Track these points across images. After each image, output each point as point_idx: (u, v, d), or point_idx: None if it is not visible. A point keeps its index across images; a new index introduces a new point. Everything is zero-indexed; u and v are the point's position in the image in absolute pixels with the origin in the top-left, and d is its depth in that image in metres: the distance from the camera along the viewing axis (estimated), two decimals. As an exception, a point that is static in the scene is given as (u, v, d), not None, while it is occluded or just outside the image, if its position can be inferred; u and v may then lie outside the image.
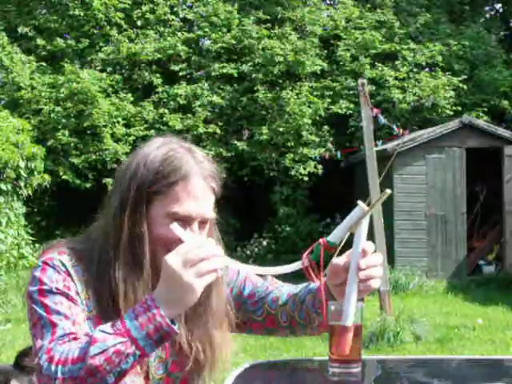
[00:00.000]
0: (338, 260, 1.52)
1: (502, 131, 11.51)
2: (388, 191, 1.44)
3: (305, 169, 12.94)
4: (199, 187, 1.50)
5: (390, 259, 8.97)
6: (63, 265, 1.48)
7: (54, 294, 1.45)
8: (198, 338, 1.56)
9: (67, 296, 1.46)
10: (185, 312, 1.52)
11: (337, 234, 1.51)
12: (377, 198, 1.47)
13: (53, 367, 1.35)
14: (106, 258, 1.49)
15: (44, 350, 1.38)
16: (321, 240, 1.50)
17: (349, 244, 1.51)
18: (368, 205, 1.47)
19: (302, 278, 1.54)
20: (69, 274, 1.48)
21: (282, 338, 1.79)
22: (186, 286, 1.34)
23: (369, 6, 14.86)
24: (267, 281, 1.74)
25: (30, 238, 10.10)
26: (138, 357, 1.35)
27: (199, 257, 1.34)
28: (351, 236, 1.50)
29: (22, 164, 9.41)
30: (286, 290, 1.70)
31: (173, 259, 1.35)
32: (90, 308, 1.48)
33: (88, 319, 1.47)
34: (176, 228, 1.44)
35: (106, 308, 1.48)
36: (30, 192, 9.85)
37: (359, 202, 1.48)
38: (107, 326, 1.37)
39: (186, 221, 1.48)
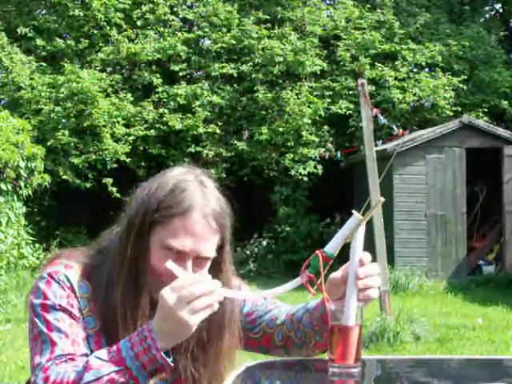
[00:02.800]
0: (336, 274, 1.53)
1: (501, 131, 11.51)
2: (381, 199, 1.45)
3: (305, 169, 12.94)
4: (198, 224, 1.49)
5: (390, 259, 8.97)
6: (68, 280, 1.50)
7: (56, 311, 1.47)
8: (206, 377, 1.57)
9: (70, 314, 1.48)
10: (191, 350, 1.54)
11: (333, 245, 1.51)
12: (372, 206, 1.47)
13: None
14: (111, 279, 1.51)
15: (41, 369, 1.41)
16: (317, 252, 1.51)
17: (344, 252, 1.52)
18: (363, 214, 1.48)
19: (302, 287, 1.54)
20: (73, 291, 1.50)
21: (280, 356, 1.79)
22: (180, 322, 1.35)
23: (369, 6, 14.85)
24: (268, 300, 1.74)
25: (30, 238, 10.10)
26: None
27: (194, 294, 1.35)
28: (347, 244, 1.51)
29: (22, 164, 9.41)
30: (284, 309, 1.71)
31: (168, 295, 1.36)
32: (91, 324, 1.50)
33: (88, 336, 1.49)
34: (171, 265, 1.45)
35: (106, 326, 1.50)
36: (30, 192, 9.85)
37: (354, 212, 1.49)
38: (103, 353, 1.39)
39: (180, 255, 1.48)
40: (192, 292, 1.35)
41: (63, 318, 1.47)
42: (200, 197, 1.51)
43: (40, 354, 1.43)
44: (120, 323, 1.48)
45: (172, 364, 1.39)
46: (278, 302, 1.76)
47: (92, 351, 1.46)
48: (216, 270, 1.56)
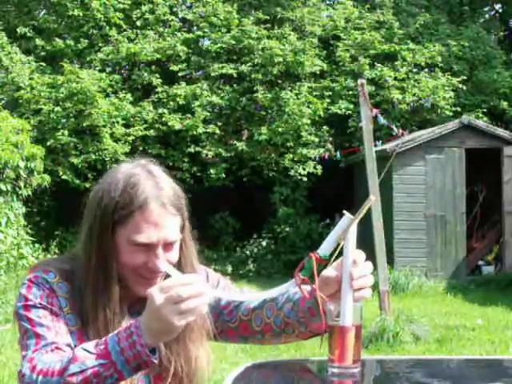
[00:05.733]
0: (329, 272, 1.53)
1: (501, 131, 11.52)
2: (372, 198, 1.44)
3: (304, 169, 12.95)
4: (157, 213, 1.53)
5: (390, 259, 8.96)
6: (47, 282, 1.56)
7: (37, 309, 1.52)
8: (176, 352, 1.60)
9: (50, 310, 1.53)
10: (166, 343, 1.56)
11: (326, 246, 1.51)
12: (363, 206, 1.46)
13: (34, 376, 1.40)
14: (82, 282, 1.56)
15: (27, 359, 1.45)
16: (311, 254, 1.50)
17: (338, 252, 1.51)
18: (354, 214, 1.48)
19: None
20: (52, 291, 1.55)
21: (259, 345, 1.79)
22: (165, 323, 1.36)
23: (368, 6, 14.85)
24: (242, 291, 1.76)
25: (30, 238, 10.09)
26: (115, 380, 1.40)
27: (181, 295, 1.35)
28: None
29: (22, 164, 9.41)
30: (259, 295, 1.70)
31: (156, 294, 1.37)
32: (72, 322, 1.55)
33: (71, 333, 1.53)
34: (164, 263, 1.50)
35: (85, 324, 1.55)
36: (30, 192, 9.85)
37: (345, 212, 1.49)
38: (91, 345, 1.42)
39: (149, 247, 1.53)
40: (179, 294, 1.35)
41: (45, 315, 1.51)
42: (152, 187, 1.55)
43: (26, 348, 1.48)
44: (91, 326, 1.53)
45: (156, 361, 1.40)
46: (254, 291, 1.78)
47: (75, 347, 1.48)
48: (179, 247, 1.61)
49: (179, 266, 1.59)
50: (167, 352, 1.59)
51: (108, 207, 1.53)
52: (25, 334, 1.51)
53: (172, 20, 14.46)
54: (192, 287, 1.37)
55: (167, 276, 1.49)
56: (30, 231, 10.41)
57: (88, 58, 14.03)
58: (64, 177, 12.54)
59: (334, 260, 1.53)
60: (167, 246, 1.55)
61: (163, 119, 13.17)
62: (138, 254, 1.53)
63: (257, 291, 1.75)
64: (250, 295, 1.66)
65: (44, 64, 13.81)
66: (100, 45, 14.13)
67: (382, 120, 8.53)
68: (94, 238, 1.55)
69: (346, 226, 1.47)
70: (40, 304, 1.53)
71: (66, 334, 1.51)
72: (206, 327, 1.64)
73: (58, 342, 1.47)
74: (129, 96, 13.34)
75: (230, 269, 12.58)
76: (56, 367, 1.39)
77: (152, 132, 13.17)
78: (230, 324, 1.71)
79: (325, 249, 1.51)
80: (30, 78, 13.16)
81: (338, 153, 13.07)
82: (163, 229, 1.53)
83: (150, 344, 1.39)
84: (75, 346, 1.48)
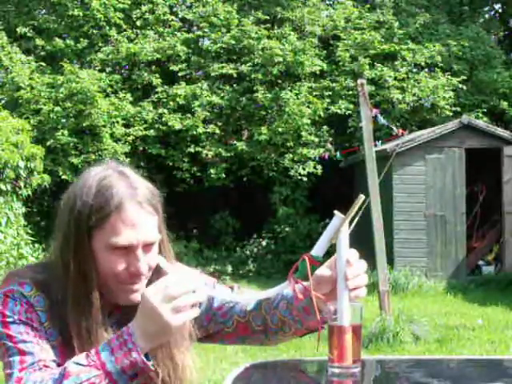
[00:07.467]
0: (322, 271, 1.52)
1: (501, 131, 11.51)
2: (362, 197, 1.44)
3: (304, 169, 12.95)
4: (134, 214, 1.47)
5: (390, 259, 8.96)
6: (23, 296, 1.47)
7: (17, 325, 1.45)
8: (162, 360, 1.55)
9: (31, 326, 1.45)
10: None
11: (319, 247, 1.51)
12: (353, 205, 1.45)
13: None
14: (60, 293, 1.48)
15: (14, 379, 1.38)
16: (305, 256, 1.50)
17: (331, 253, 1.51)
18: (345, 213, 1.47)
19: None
20: (30, 305, 1.47)
21: (257, 345, 1.78)
22: (162, 322, 1.34)
23: (368, 6, 14.85)
24: (234, 291, 1.73)
25: (30, 238, 10.09)
26: None
27: (177, 293, 1.34)
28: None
29: (22, 164, 9.41)
30: (252, 296, 1.69)
31: (152, 294, 1.35)
32: (53, 337, 1.48)
33: (52, 348, 1.46)
34: (160, 260, 1.46)
35: (65, 340, 1.47)
36: (30, 192, 9.85)
37: (335, 212, 1.48)
38: (81, 358, 1.37)
39: (128, 250, 1.47)
40: (175, 291, 1.34)
41: (26, 331, 1.44)
42: (126, 187, 1.49)
43: (10, 367, 1.41)
44: (75, 338, 1.46)
45: (152, 368, 1.38)
46: (245, 290, 1.76)
47: (59, 362, 1.44)
48: (158, 249, 1.55)
49: (158, 267, 1.53)
50: (153, 361, 1.53)
51: (82, 213, 1.46)
52: (7, 351, 1.43)
53: (172, 20, 14.46)
54: (188, 284, 1.36)
55: (158, 276, 1.45)
56: (30, 231, 10.40)
57: (88, 58, 14.03)
58: (64, 177, 12.53)
59: (326, 259, 1.53)
60: (147, 247, 1.49)
61: (163, 119, 13.17)
62: (118, 258, 1.47)
63: (250, 291, 1.74)
64: (244, 296, 1.64)
65: (44, 64, 13.81)
66: (100, 45, 14.13)
67: (381, 120, 8.54)
68: (70, 246, 1.48)
69: (338, 226, 1.47)
70: (19, 320, 1.45)
71: (50, 350, 1.45)
72: (189, 331, 1.60)
73: (45, 360, 1.42)
74: (129, 96, 13.34)
75: (229, 269, 12.58)
76: None
77: (152, 132, 13.17)
78: (226, 328, 1.68)
79: (318, 250, 1.51)
80: (30, 78, 13.16)
81: (338, 153, 13.08)
82: (142, 229, 1.47)
83: (145, 348, 1.37)
84: (59, 362, 1.43)
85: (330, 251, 1.51)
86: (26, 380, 1.37)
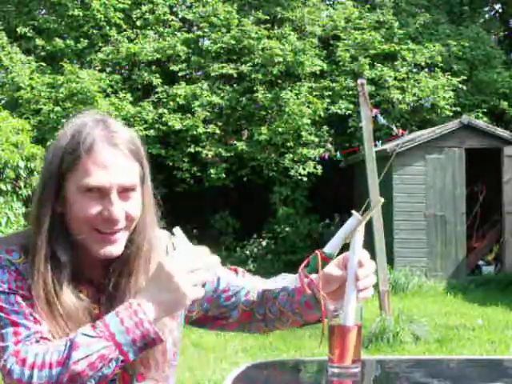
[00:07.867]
0: (331, 269, 1.51)
1: (501, 131, 11.51)
2: (381, 199, 1.45)
3: (304, 169, 12.94)
4: (107, 155, 1.41)
5: (390, 259, 8.96)
6: (12, 264, 1.41)
7: (7, 295, 1.38)
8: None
9: (22, 295, 1.39)
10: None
11: (332, 245, 1.51)
12: (372, 207, 1.47)
13: (26, 371, 1.29)
14: (34, 250, 1.42)
15: (10, 352, 1.32)
16: (317, 251, 1.51)
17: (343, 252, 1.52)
18: (362, 214, 1.48)
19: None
20: (19, 274, 1.41)
21: (254, 333, 1.76)
22: (179, 293, 1.32)
23: (368, 6, 14.85)
24: (239, 274, 1.71)
25: (30, 238, 10.09)
26: (120, 362, 1.32)
27: (197, 265, 1.34)
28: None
29: (22, 164, 9.40)
30: (257, 284, 1.69)
31: (170, 263, 1.33)
32: None
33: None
34: (176, 229, 1.40)
35: (51, 302, 1.40)
36: (30, 192, 9.84)
37: (353, 212, 1.49)
38: (88, 329, 1.32)
39: (102, 193, 1.40)
40: (195, 263, 1.34)
41: (17, 300, 1.38)
42: (102, 130, 1.43)
43: (3, 339, 1.34)
44: (39, 296, 1.39)
45: (164, 338, 1.34)
46: (248, 274, 1.73)
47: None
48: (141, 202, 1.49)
49: (136, 228, 1.46)
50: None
51: (57, 157, 1.42)
52: None
53: (172, 20, 14.46)
54: (205, 258, 1.36)
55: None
56: (29, 231, 10.40)
57: (88, 58, 14.03)
58: (64, 177, 12.53)
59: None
60: (124, 193, 1.42)
61: (163, 119, 13.16)
62: (91, 201, 1.40)
63: (255, 276, 1.73)
64: (252, 282, 1.64)
65: (44, 64, 13.81)
66: (100, 45, 14.13)
67: (381, 120, 8.54)
68: (45, 194, 1.43)
69: (353, 226, 1.48)
70: (9, 289, 1.38)
71: (43, 320, 1.37)
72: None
73: (41, 331, 1.35)
74: (129, 96, 13.34)
75: (229, 269, 12.58)
76: (54, 358, 1.29)
77: (152, 132, 13.16)
78: (226, 312, 1.65)
79: (331, 247, 1.51)
80: (30, 78, 13.16)
81: (338, 153, 13.07)
82: (115, 171, 1.41)
83: (156, 317, 1.33)
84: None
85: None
86: (25, 352, 1.31)
